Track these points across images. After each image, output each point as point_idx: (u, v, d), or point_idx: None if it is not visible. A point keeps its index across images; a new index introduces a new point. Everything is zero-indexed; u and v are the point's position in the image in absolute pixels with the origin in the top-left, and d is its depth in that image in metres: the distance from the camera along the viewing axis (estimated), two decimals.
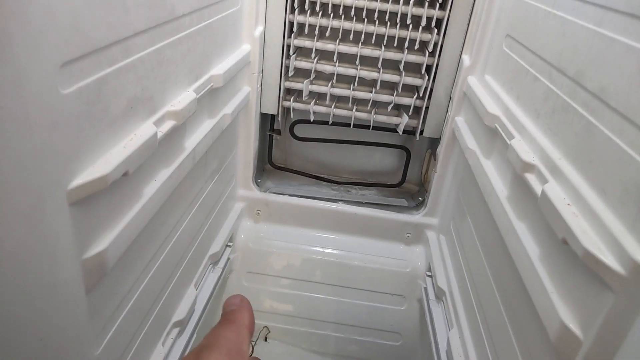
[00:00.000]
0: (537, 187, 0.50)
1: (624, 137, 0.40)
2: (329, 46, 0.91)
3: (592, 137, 0.45)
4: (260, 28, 0.89)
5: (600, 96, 0.44)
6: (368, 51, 0.91)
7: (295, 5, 0.89)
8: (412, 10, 0.85)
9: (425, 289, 0.92)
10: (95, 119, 0.41)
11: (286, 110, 1.01)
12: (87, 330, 0.45)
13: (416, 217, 1.01)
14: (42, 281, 0.37)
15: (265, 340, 1.01)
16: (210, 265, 0.89)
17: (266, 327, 1.01)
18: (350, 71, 0.93)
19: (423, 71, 0.92)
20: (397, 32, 0.87)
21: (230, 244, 0.97)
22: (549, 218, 0.46)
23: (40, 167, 0.34)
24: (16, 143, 0.31)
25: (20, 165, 0.32)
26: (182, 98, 0.59)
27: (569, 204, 0.45)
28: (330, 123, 1.00)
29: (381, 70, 0.92)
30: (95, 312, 0.46)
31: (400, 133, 0.98)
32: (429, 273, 0.95)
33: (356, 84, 0.95)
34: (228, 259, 0.94)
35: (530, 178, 0.53)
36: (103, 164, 0.42)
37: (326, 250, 1.02)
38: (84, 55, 0.37)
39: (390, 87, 0.97)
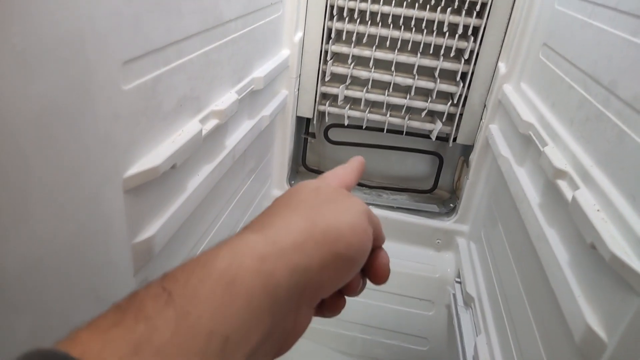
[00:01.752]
0: (568, 194, 0.51)
1: None
2: (366, 52, 0.93)
3: (624, 145, 0.45)
4: (299, 34, 0.92)
5: (633, 105, 0.45)
6: (404, 58, 0.92)
7: (334, 12, 0.92)
8: (449, 18, 0.87)
9: (454, 295, 0.93)
10: (150, 114, 0.44)
11: (321, 114, 1.04)
12: None
13: (447, 224, 1.02)
14: (97, 260, 0.41)
15: None
16: None
17: None
18: (386, 77, 0.95)
19: (458, 78, 0.93)
20: (433, 39, 0.89)
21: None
22: (578, 223, 0.47)
23: (102, 155, 0.38)
24: (83, 132, 0.35)
25: (86, 153, 0.36)
26: (226, 98, 0.62)
27: (598, 210, 0.45)
28: (364, 127, 1.02)
29: (416, 76, 0.94)
30: None
31: (434, 139, 0.99)
32: (458, 279, 0.95)
33: (391, 89, 0.97)
34: None
35: (562, 184, 0.54)
36: (155, 155, 0.45)
37: None
38: (144, 54, 0.41)
39: (424, 93, 0.99)
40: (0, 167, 0.28)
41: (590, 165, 0.51)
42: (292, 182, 1.10)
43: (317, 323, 1.05)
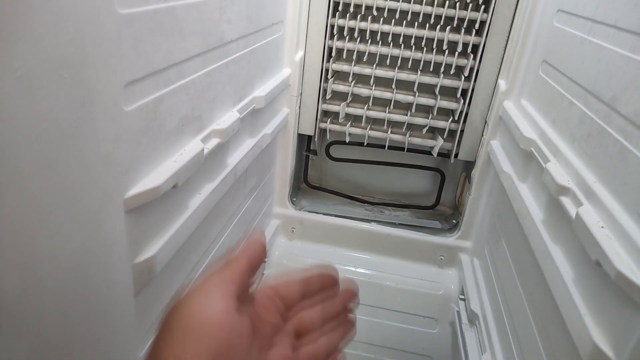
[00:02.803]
0: (572, 210, 0.51)
1: None
2: (366, 70, 0.94)
3: (627, 161, 0.45)
4: (300, 53, 0.93)
5: (635, 121, 0.45)
6: (404, 75, 0.93)
7: (335, 31, 0.93)
8: (448, 36, 0.87)
9: (458, 312, 0.92)
10: (152, 135, 0.44)
11: (323, 131, 1.04)
12: (134, 331, 0.48)
13: (450, 240, 1.02)
14: (97, 281, 0.41)
15: None
16: None
17: None
18: (386, 94, 0.95)
19: (459, 95, 0.94)
20: (433, 57, 0.90)
21: (265, 259, 0.99)
22: (582, 240, 0.46)
23: (103, 176, 0.38)
24: (85, 153, 0.35)
25: (87, 174, 0.36)
26: (227, 117, 0.63)
27: (602, 227, 0.45)
28: (365, 144, 1.02)
29: (417, 93, 0.94)
30: (141, 315, 0.49)
31: (435, 155, 0.99)
32: (462, 296, 0.94)
33: (392, 106, 0.97)
34: (262, 274, 0.96)
35: (565, 201, 0.53)
36: (156, 176, 0.45)
37: (358, 270, 1.03)
38: (145, 76, 0.41)
39: (425, 110, 0.99)
40: (0, 187, 0.28)
41: (594, 182, 0.50)
42: (294, 199, 1.10)
43: None
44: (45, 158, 0.31)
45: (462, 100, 0.93)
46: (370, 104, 0.98)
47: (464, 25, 0.89)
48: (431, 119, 0.96)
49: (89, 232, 0.38)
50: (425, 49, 0.91)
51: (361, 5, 0.90)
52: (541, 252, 0.57)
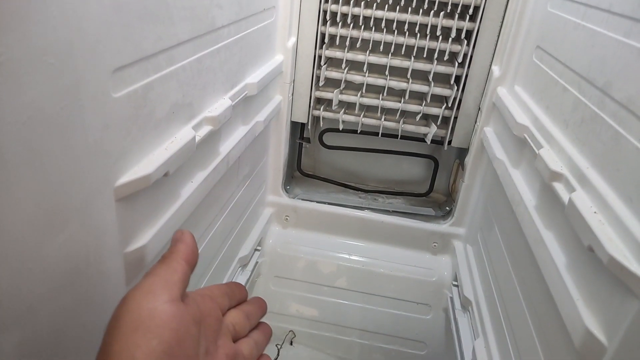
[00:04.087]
0: (565, 196, 0.51)
1: None
2: (359, 57, 0.93)
3: (620, 147, 0.45)
4: (293, 39, 0.92)
5: (628, 106, 0.45)
6: (397, 62, 0.92)
7: (327, 17, 0.92)
8: (442, 22, 0.87)
9: (452, 298, 0.92)
10: (141, 122, 0.44)
11: (316, 119, 1.04)
12: None
13: (443, 227, 1.02)
14: (88, 271, 0.40)
15: (291, 344, 1.03)
16: (240, 268, 0.91)
17: (292, 331, 1.03)
18: (380, 81, 0.95)
19: (452, 81, 0.93)
20: (426, 43, 0.89)
21: (259, 248, 1.00)
22: (575, 226, 0.46)
23: (92, 165, 0.37)
24: (73, 142, 0.35)
25: (75, 163, 0.35)
26: (219, 105, 0.62)
27: (595, 212, 0.45)
28: (358, 132, 1.01)
29: (410, 80, 0.94)
30: None
31: (429, 143, 0.99)
32: (455, 283, 0.95)
33: (385, 93, 0.96)
34: (256, 262, 0.96)
35: (558, 187, 0.53)
36: (147, 164, 0.45)
37: (352, 257, 1.03)
38: (134, 62, 0.40)
39: (419, 97, 0.99)
40: None
41: (586, 168, 0.50)
42: (288, 187, 1.10)
43: (314, 329, 1.04)
44: (31, 148, 0.30)
45: (456, 87, 0.92)
46: (364, 90, 0.98)
47: (458, 11, 0.88)
48: (425, 105, 0.95)
49: (79, 222, 0.37)
50: (418, 35, 0.90)
51: None
52: (534, 238, 0.57)
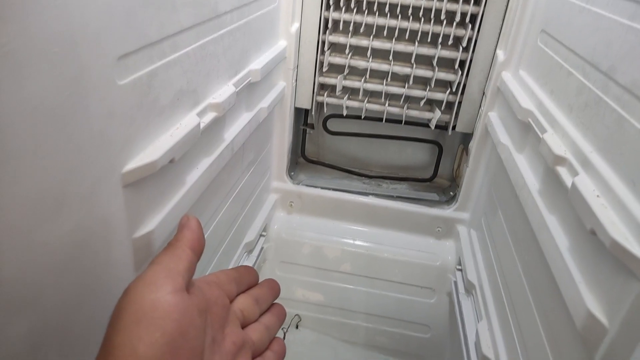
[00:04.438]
0: (568, 180, 0.51)
1: None
2: (363, 42, 0.93)
3: (624, 131, 0.45)
4: (296, 25, 0.91)
5: (632, 90, 0.45)
6: (401, 47, 0.92)
7: (331, 2, 0.91)
8: (446, 6, 0.86)
9: (455, 282, 0.93)
10: (147, 109, 0.44)
11: (320, 105, 1.04)
12: None
13: (447, 212, 1.02)
14: (97, 257, 0.41)
15: (297, 328, 1.04)
16: (245, 254, 0.92)
17: (298, 315, 1.04)
18: (384, 66, 0.94)
19: (456, 66, 0.93)
20: (430, 27, 0.88)
21: (264, 233, 1.00)
22: (578, 210, 0.47)
23: (98, 152, 0.38)
24: (78, 130, 0.35)
25: (81, 151, 0.36)
26: (223, 91, 0.62)
27: (598, 196, 0.45)
28: (362, 118, 1.01)
29: (414, 65, 0.93)
30: None
31: (433, 128, 0.99)
32: (459, 267, 0.95)
33: (389, 79, 0.96)
34: (262, 248, 0.97)
35: (562, 171, 0.54)
36: (153, 150, 0.45)
37: (357, 242, 1.04)
38: (138, 49, 0.41)
39: (423, 82, 0.98)
40: None
41: (590, 152, 0.50)
42: (292, 173, 1.10)
43: (320, 313, 1.05)
44: (37, 137, 0.31)
45: (460, 72, 0.92)
46: (368, 76, 0.97)
47: None
48: (429, 91, 0.95)
49: (88, 209, 0.38)
50: (422, 19, 0.89)
51: None
52: (537, 222, 0.58)
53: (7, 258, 0.31)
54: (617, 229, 0.40)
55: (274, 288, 0.41)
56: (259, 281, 0.41)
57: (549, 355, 0.52)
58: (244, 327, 0.36)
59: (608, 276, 0.42)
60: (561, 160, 0.54)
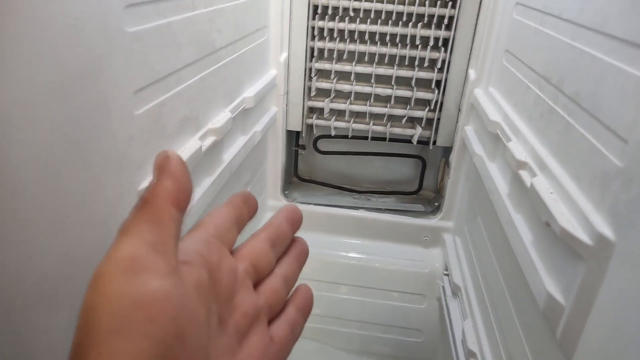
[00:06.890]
0: (528, 181, 0.58)
1: (592, 132, 0.48)
2: (347, 67, 1.01)
3: (570, 135, 0.52)
4: (285, 54, 0.99)
5: (576, 99, 0.52)
6: (382, 70, 1.00)
7: (316, 32, 1.00)
8: (420, 32, 0.95)
9: (443, 287, 0.99)
10: (157, 135, 0.51)
11: (309, 127, 1.11)
12: None
13: (433, 221, 1.09)
14: None
15: None
16: None
17: None
18: (367, 89, 1.02)
19: (433, 86, 1.01)
20: (407, 52, 0.97)
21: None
22: (536, 206, 0.54)
23: (121, 171, 0.44)
24: (105, 151, 0.42)
25: (107, 169, 0.42)
26: (221, 117, 0.69)
27: (552, 193, 0.52)
28: (349, 137, 1.09)
29: (395, 86, 1.01)
30: None
31: (415, 143, 1.07)
32: (445, 272, 1.02)
33: (372, 100, 1.04)
34: None
35: (523, 174, 0.61)
36: None
37: (350, 255, 1.10)
38: (150, 83, 0.48)
39: (403, 101, 1.06)
40: (39, 180, 0.35)
41: (545, 155, 0.58)
42: (286, 191, 1.17)
43: (317, 323, 1.10)
44: (71, 156, 0.38)
45: (437, 91, 1.00)
46: (352, 98, 1.05)
47: (434, 21, 0.96)
48: (409, 109, 1.03)
49: (113, 219, 0.44)
50: (400, 44, 0.98)
51: (339, 7, 0.96)
52: (506, 221, 0.64)
53: (51, 258, 0.37)
54: (566, 219, 0.47)
55: (293, 218, 0.30)
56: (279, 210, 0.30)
57: (522, 340, 0.59)
58: (257, 284, 0.27)
59: (562, 260, 0.48)
60: (522, 165, 0.61)
